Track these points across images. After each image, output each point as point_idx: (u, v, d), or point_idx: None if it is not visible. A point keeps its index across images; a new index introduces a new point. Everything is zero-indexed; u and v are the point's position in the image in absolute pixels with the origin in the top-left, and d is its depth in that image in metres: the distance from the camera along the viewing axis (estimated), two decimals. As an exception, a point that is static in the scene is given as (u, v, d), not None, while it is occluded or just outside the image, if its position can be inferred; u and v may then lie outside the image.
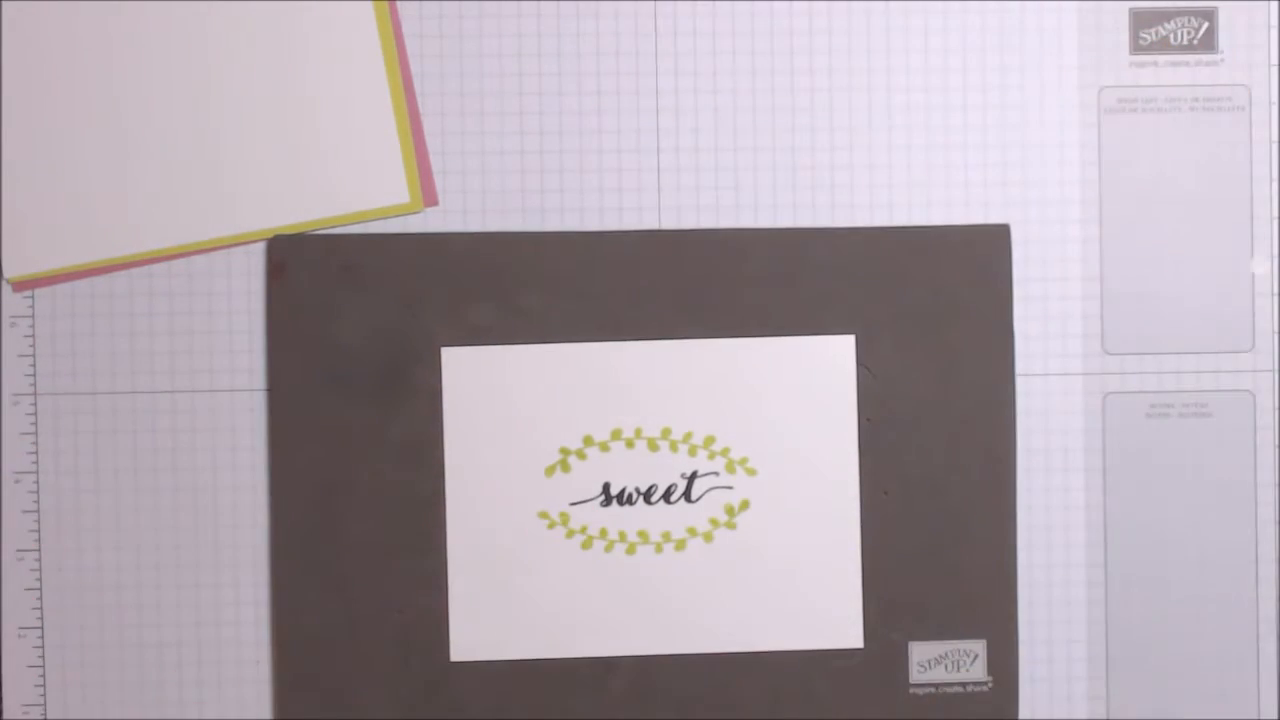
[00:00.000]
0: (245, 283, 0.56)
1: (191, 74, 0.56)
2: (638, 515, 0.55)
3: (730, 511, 0.55)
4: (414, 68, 0.56)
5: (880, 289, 0.55)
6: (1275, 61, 0.56)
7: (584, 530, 0.55)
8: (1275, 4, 0.56)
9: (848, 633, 0.55)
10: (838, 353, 0.55)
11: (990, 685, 0.55)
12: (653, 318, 0.55)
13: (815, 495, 0.55)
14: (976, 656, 0.55)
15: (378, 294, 0.55)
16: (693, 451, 0.55)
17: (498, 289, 0.55)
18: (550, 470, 0.55)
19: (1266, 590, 0.56)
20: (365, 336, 0.55)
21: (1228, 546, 0.56)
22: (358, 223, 0.56)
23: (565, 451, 0.55)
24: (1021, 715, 0.56)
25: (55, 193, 0.55)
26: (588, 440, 0.55)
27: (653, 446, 0.55)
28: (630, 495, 0.55)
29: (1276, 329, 0.56)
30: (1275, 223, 0.56)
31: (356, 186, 0.56)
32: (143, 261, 0.56)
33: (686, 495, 0.55)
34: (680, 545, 0.55)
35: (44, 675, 0.56)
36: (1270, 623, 0.56)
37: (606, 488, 0.55)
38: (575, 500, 0.55)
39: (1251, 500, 0.56)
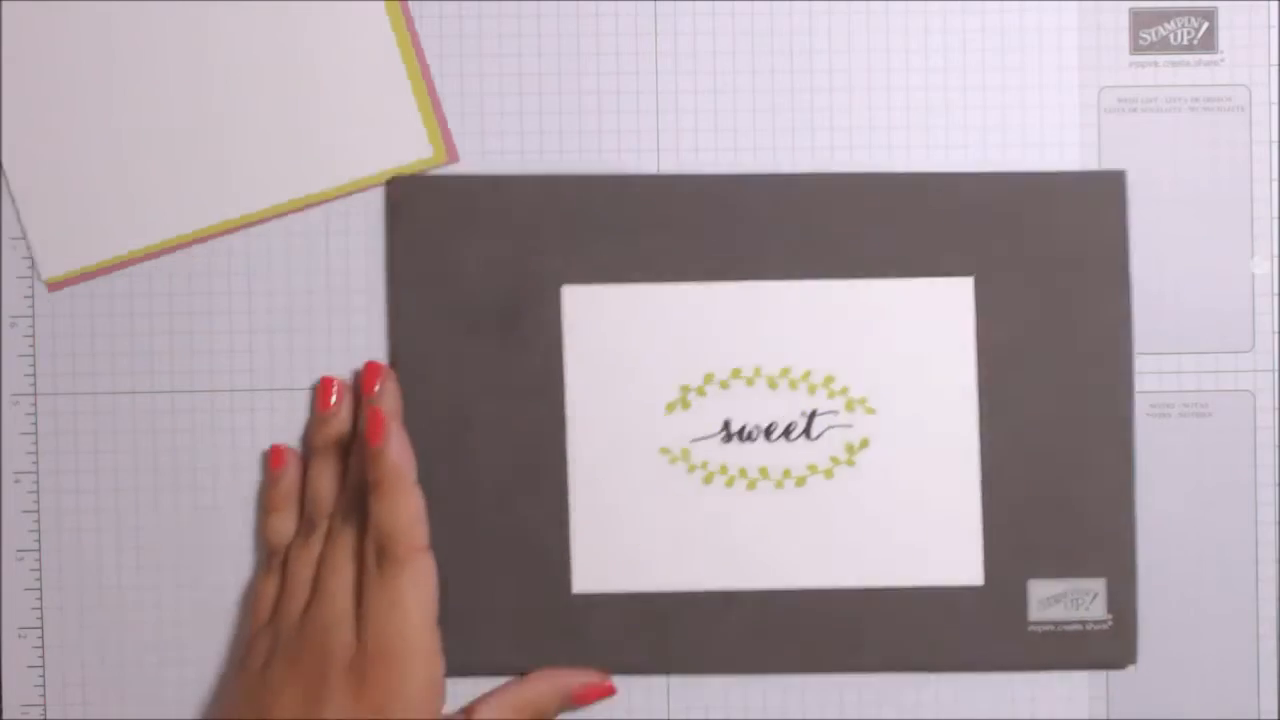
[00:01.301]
0: (245, 282, 0.56)
1: (197, 64, 0.55)
2: (758, 452, 0.55)
3: (850, 450, 0.55)
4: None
5: (998, 233, 0.55)
6: (1275, 61, 0.56)
7: (704, 466, 0.55)
8: (1275, 4, 0.56)
9: (968, 570, 0.55)
10: (956, 295, 0.55)
11: (1110, 623, 0.55)
12: (772, 259, 0.55)
13: (934, 434, 0.55)
14: (1096, 595, 0.55)
15: (498, 234, 0.55)
16: (812, 390, 0.55)
17: (620, 229, 0.55)
18: (671, 407, 0.55)
19: (1266, 590, 0.56)
20: (486, 276, 0.55)
21: (1228, 547, 0.56)
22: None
23: (685, 389, 0.55)
24: (1023, 714, 0.56)
25: (69, 189, 0.55)
26: (708, 378, 0.55)
27: (772, 385, 0.55)
28: (750, 432, 0.55)
29: (1276, 329, 0.56)
30: (1275, 223, 0.56)
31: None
32: (172, 248, 0.56)
33: (806, 433, 0.55)
34: (800, 482, 0.55)
35: (44, 675, 0.56)
36: (1270, 623, 0.56)
37: (727, 424, 0.55)
38: (696, 437, 0.55)
39: (1251, 500, 0.56)
